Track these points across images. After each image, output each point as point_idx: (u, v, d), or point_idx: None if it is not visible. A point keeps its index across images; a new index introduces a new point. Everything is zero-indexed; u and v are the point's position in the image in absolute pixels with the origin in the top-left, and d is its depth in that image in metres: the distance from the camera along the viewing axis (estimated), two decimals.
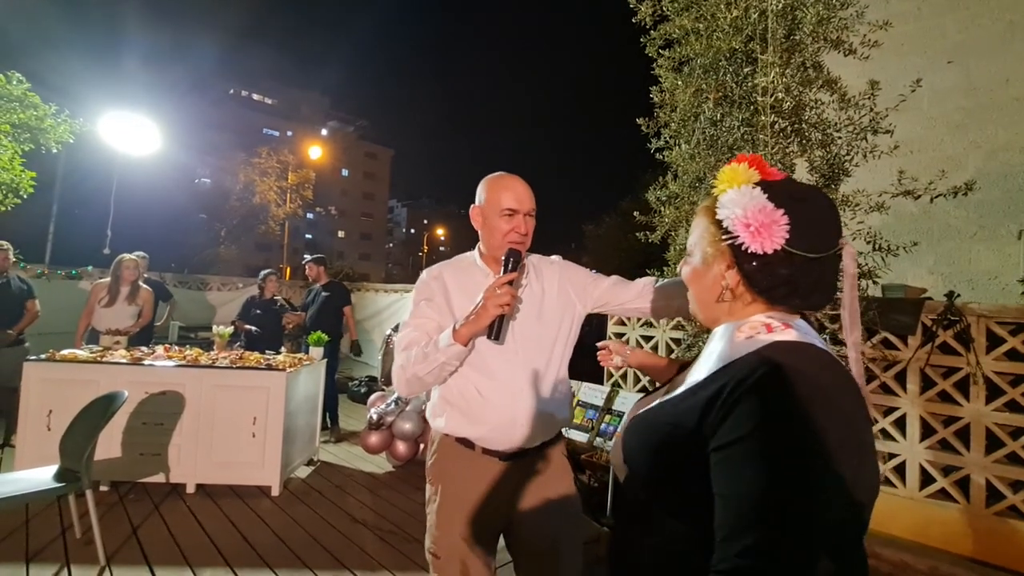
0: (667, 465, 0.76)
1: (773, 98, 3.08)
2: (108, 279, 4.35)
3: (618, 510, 0.94)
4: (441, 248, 70.20)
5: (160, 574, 2.47)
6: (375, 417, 3.96)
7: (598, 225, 28.86)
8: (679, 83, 3.71)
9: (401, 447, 3.99)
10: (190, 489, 3.39)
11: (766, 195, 0.76)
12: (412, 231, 68.53)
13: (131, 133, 6.98)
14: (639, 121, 3.93)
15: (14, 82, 4.85)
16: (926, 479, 3.08)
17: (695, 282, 0.87)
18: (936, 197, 3.05)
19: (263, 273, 5.33)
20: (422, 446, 4.10)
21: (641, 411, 0.87)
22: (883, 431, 3.24)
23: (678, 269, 0.95)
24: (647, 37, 3.80)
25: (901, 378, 3.19)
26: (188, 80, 36.14)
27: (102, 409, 2.60)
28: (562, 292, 1.56)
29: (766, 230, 0.73)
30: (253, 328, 4.95)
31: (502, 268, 1.36)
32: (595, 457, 3.95)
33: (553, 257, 1.65)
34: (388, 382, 4.10)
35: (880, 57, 3.24)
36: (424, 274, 1.59)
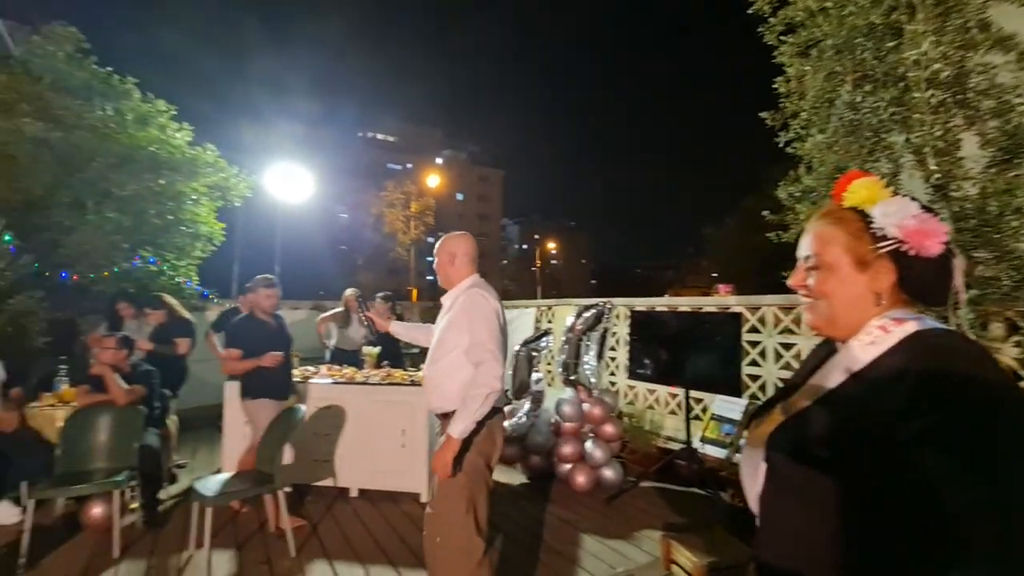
0: (836, 457, 0.80)
1: (928, 70, 2.73)
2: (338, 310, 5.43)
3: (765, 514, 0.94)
4: (553, 261, 70.74)
5: (339, 568, 2.82)
6: (508, 429, 4.14)
7: (718, 227, 27.17)
8: (807, 68, 3.45)
9: (534, 459, 4.12)
10: (353, 493, 3.82)
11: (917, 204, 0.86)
12: (524, 247, 70.07)
13: (289, 183, 8.18)
14: (763, 115, 3.72)
15: (208, 152, 5.99)
16: None
17: (836, 291, 0.90)
18: None
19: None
20: (553, 459, 4.18)
21: (788, 421, 0.90)
22: None
23: (791, 282, 0.98)
24: (766, 25, 3.59)
25: None
26: (333, 133, 41.07)
27: (287, 422, 3.06)
28: (455, 317, 2.17)
29: (934, 234, 0.83)
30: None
31: None
32: (737, 475, 3.72)
33: (475, 293, 2.18)
34: (518, 395, 4.27)
35: None
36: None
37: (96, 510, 3.16)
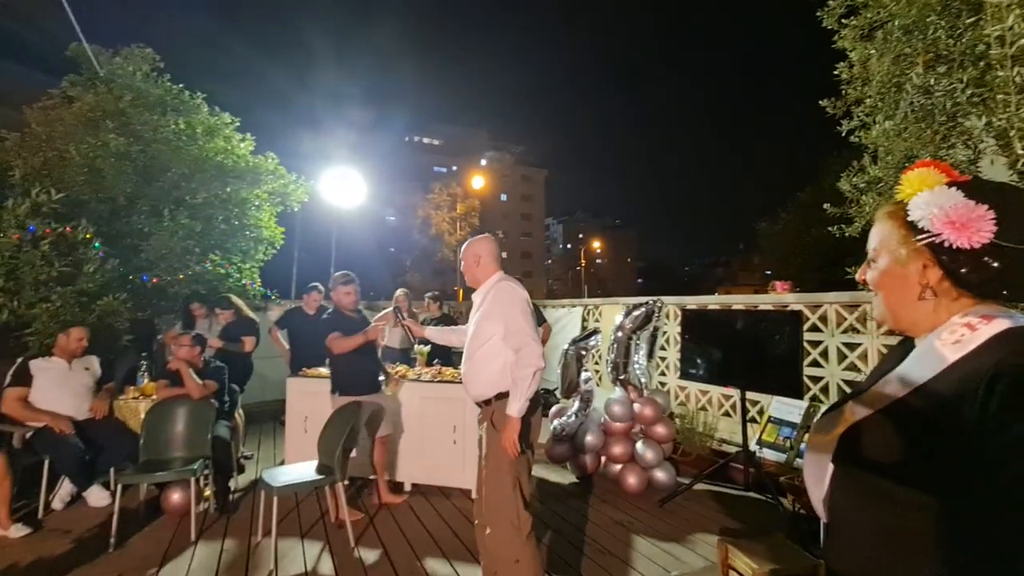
0: (918, 461, 0.77)
1: (1014, 47, 2.53)
2: (389, 310, 5.48)
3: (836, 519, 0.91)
4: (598, 260, 69.93)
5: (395, 559, 2.92)
6: (558, 428, 4.14)
7: (772, 222, 26.04)
8: (872, 52, 3.27)
9: (584, 459, 4.10)
10: (407, 487, 3.93)
11: (961, 192, 0.82)
12: (568, 246, 69.65)
13: (343, 189, 8.53)
14: (823, 103, 3.55)
15: (269, 160, 6.33)
16: None
17: (887, 285, 0.90)
18: None
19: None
20: (603, 459, 4.15)
21: (862, 423, 0.86)
22: None
23: (858, 276, 0.98)
24: (824, 9, 3.43)
25: None
26: (382, 139, 42.46)
27: (347, 417, 3.19)
28: (489, 308, 2.28)
29: (971, 225, 0.79)
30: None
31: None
32: (798, 480, 3.56)
33: (505, 285, 2.28)
34: (567, 394, 4.26)
35: None
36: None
37: (175, 496, 3.41)
